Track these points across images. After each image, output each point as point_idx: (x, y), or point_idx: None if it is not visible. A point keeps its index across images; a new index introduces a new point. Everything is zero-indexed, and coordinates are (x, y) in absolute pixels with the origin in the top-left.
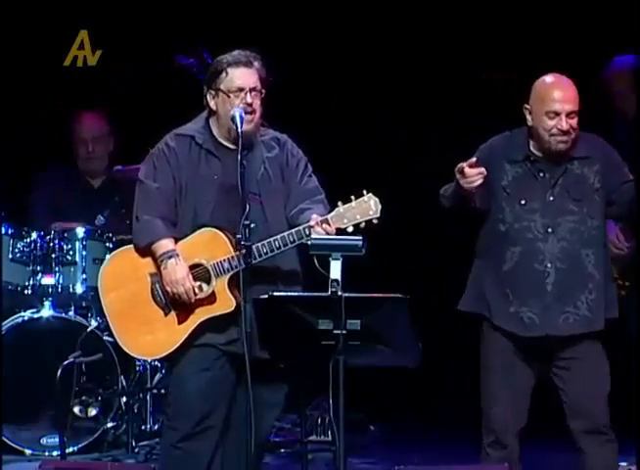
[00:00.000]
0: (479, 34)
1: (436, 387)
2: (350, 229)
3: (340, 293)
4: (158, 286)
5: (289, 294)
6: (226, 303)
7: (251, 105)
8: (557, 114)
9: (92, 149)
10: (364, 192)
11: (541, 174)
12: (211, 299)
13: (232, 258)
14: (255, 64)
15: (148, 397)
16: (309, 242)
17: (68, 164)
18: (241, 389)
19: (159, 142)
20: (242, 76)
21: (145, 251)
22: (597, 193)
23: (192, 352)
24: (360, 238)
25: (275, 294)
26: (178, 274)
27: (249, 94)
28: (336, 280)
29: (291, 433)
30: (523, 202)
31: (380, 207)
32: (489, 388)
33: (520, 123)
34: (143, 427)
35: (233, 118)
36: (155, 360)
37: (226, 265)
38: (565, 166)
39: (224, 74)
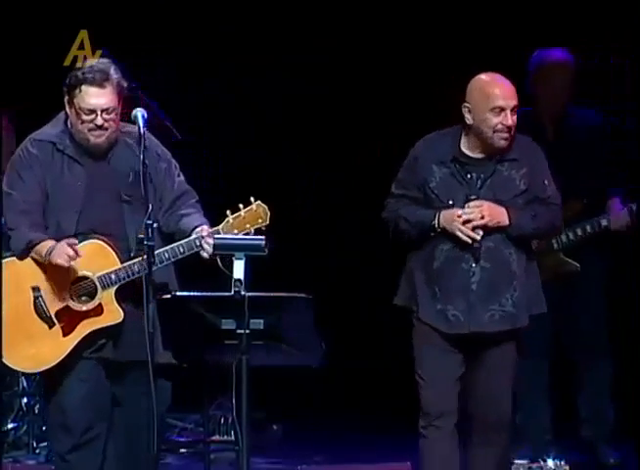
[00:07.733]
0: None
1: (339, 385)
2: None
3: (243, 292)
4: (41, 300)
5: (192, 294)
6: (114, 314)
7: (100, 127)
8: (502, 109)
9: None
10: (252, 199)
11: (468, 176)
12: (98, 310)
13: (119, 270)
14: (112, 78)
15: None
16: (214, 242)
17: None
18: (122, 391)
19: (17, 149)
20: (93, 97)
21: (26, 262)
22: (521, 196)
23: (70, 363)
24: (263, 237)
25: (179, 294)
26: (58, 253)
27: (99, 116)
28: (239, 280)
29: (193, 433)
30: (450, 202)
31: (269, 214)
32: (422, 374)
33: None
34: (44, 428)
35: (135, 118)
36: None
37: (113, 277)
38: (493, 168)
39: (77, 90)
